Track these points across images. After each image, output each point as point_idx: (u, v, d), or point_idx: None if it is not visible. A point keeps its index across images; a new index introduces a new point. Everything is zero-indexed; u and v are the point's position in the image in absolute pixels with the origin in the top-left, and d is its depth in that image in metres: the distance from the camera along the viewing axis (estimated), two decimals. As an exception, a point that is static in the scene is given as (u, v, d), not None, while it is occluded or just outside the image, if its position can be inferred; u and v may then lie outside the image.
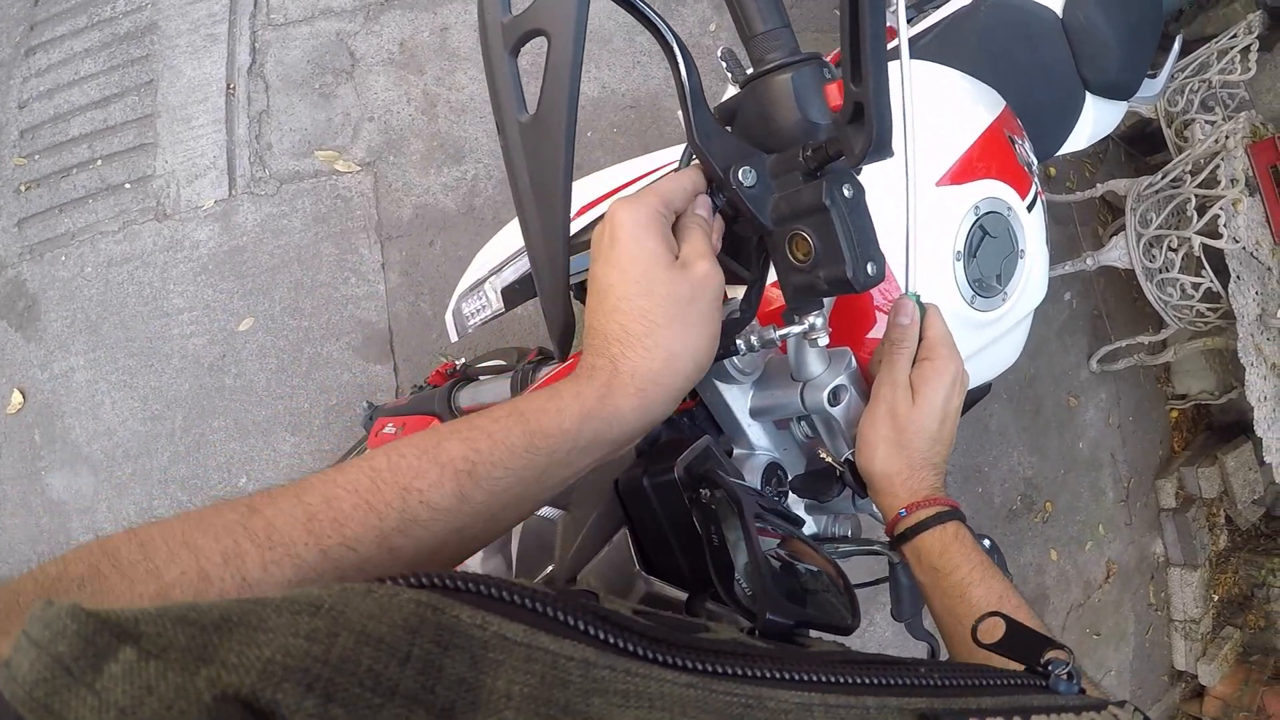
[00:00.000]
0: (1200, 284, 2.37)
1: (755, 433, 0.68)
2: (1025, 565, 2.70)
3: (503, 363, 1.41)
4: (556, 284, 0.53)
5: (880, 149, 0.43)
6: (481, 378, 1.27)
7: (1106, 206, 3.10)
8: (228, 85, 2.19)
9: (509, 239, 1.01)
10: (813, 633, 0.59)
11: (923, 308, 0.67)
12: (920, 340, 0.66)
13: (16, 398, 2.07)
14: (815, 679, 0.32)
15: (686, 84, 0.50)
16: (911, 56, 1.25)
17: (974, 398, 1.07)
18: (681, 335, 0.48)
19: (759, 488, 0.65)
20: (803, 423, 0.70)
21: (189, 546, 0.33)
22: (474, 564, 0.77)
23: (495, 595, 0.28)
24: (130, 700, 0.18)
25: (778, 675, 0.31)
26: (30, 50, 2.21)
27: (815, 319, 0.54)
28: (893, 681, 0.34)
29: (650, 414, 0.48)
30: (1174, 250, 2.40)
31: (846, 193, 0.47)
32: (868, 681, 0.34)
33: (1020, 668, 0.43)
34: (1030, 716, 0.33)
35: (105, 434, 2.05)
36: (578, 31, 0.47)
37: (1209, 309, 2.42)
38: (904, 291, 0.67)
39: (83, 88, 2.17)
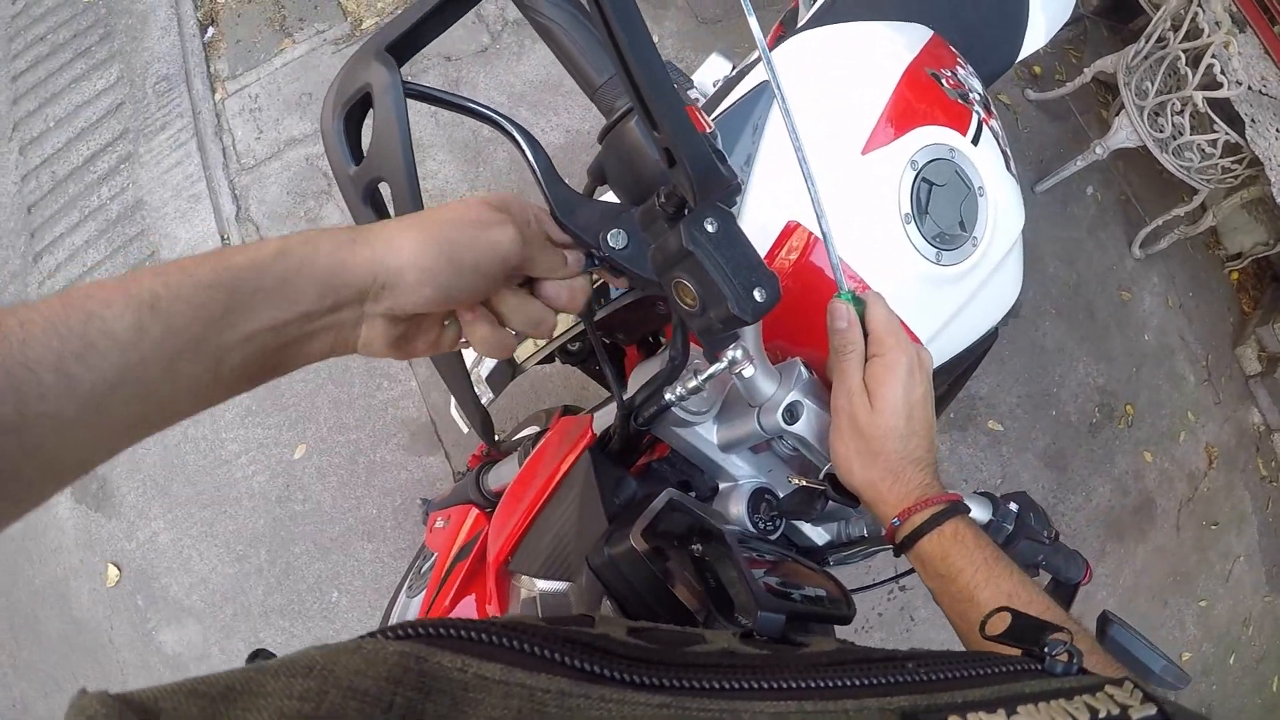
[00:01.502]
0: (1216, 139, 2.25)
1: (733, 464, 0.68)
2: (1121, 475, 2.60)
3: (536, 429, 1.43)
4: (462, 390, 0.55)
5: (708, 186, 0.43)
6: (516, 451, 1.29)
7: (1102, 88, 2.98)
8: (222, 236, 2.29)
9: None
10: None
11: (860, 302, 0.64)
12: (866, 336, 0.64)
13: (113, 572, 2.18)
14: (794, 686, 0.32)
15: (536, 166, 0.51)
16: (829, 20, 1.24)
17: (982, 349, 1.03)
18: (424, 228, 0.45)
19: (748, 516, 0.64)
20: (782, 440, 0.69)
21: None
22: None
23: (475, 638, 0.30)
24: None
25: (755, 686, 0.32)
26: (37, 256, 2.34)
27: (734, 352, 0.53)
28: (875, 681, 0.34)
29: (342, 270, 0.43)
30: (1179, 113, 2.29)
31: (710, 228, 0.47)
32: (848, 683, 0.34)
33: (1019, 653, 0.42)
34: (1017, 707, 0.32)
35: (200, 584, 2.15)
36: (408, 168, 0.48)
37: (1233, 162, 2.30)
38: (836, 293, 0.64)
39: (93, 277, 2.28)
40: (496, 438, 1.59)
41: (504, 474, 1.16)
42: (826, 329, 0.65)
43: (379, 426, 2.21)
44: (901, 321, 0.67)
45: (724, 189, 0.44)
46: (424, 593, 1.33)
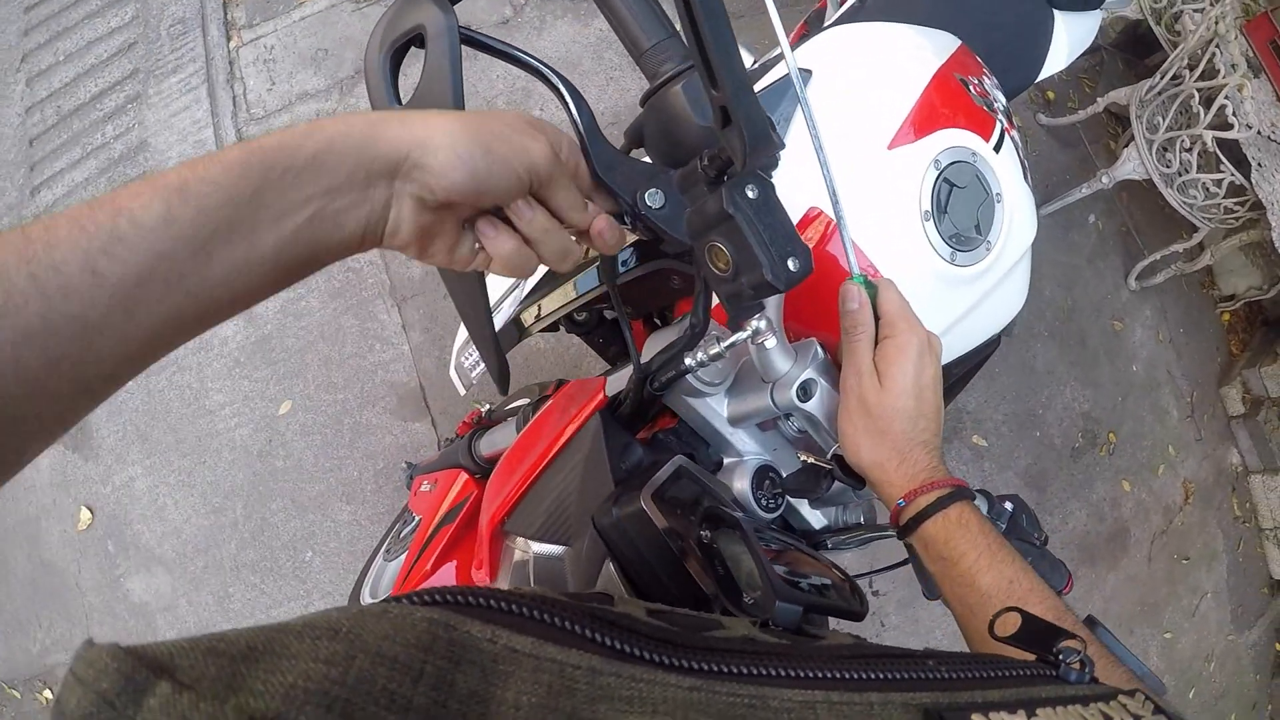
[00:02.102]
0: (1222, 179, 2.28)
1: (740, 439, 0.68)
2: (1099, 501, 2.62)
3: (526, 401, 1.43)
4: (481, 325, 0.54)
5: (759, 149, 0.43)
6: (508, 419, 1.29)
7: (1113, 119, 3.00)
8: (224, 184, 2.26)
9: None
10: (830, 625, 0.59)
11: (872, 287, 0.65)
12: (879, 320, 0.65)
13: (85, 514, 2.16)
14: (819, 675, 0.32)
15: (579, 120, 0.51)
16: (858, 20, 1.25)
17: (984, 354, 1.04)
18: (459, 116, 0.45)
19: (751, 492, 0.64)
20: (790, 419, 0.70)
21: None
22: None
23: (505, 608, 0.29)
24: None
25: (781, 673, 0.32)
26: (35, 190, 2.31)
27: (758, 322, 0.54)
28: (898, 676, 0.34)
29: (372, 144, 0.42)
30: (1188, 151, 2.32)
31: (751, 194, 0.47)
32: (873, 676, 0.34)
33: (1033, 658, 0.42)
34: (1036, 709, 0.33)
35: (173, 533, 2.14)
36: (459, 112, 0.48)
37: (1236, 203, 2.32)
38: (849, 276, 0.65)
39: (91, 215, 2.26)
40: (488, 409, 1.59)
41: (497, 439, 1.15)
42: (839, 310, 0.66)
43: (367, 388, 2.20)
44: None
45: (772, 153, 0.44)
46: (403, 556, 1.32)
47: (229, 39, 2.40)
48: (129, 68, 2.38)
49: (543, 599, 0.31)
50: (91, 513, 2.17)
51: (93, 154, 2.31)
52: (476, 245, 0.49)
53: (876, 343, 0.64)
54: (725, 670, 0.31)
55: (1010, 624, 0.45)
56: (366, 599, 1.42)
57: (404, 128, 0.43)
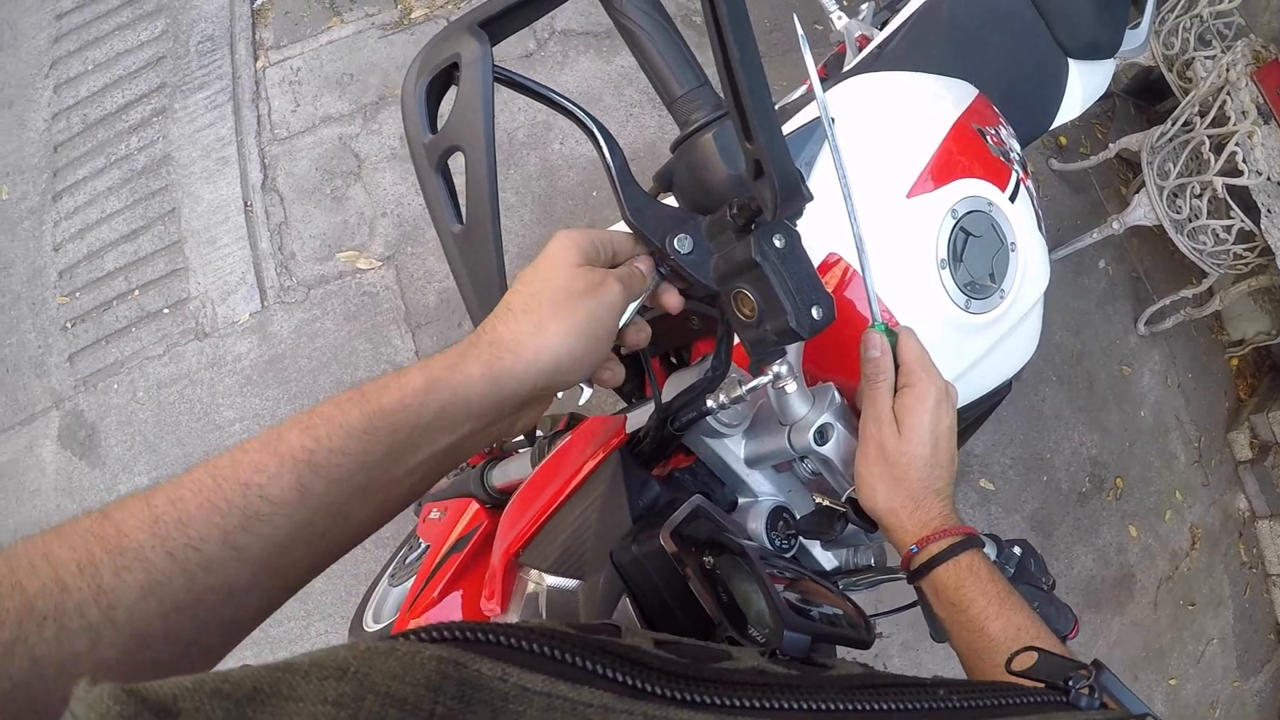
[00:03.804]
0: (1232, 225, 2.30)
1: (756, 480, 0.69)
2: (1105, 546, 2.61)
3: (541, 433, 1.43)
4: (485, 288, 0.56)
5: (789, 200, 0.44)
6: (520, 451, 1.29)
7: (1125, 165, 3.03)
8: (245, 203, 2.29)
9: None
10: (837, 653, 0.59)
11: (893, 335, 0.67)
12: (898, 367, 0.66)
13: (89, 524, 2.16)
14: (832, 707, 0.32)
15: (612, 164, 0.52)
16: (876, 67, 1.27)
17: (995, 400, 1.05)
18: (557, 319, 0.46)
19: (765, 533, 0.65)
20: (805, 462, 0.70)
21: (48, 559, 0.34)
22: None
23: (515, 645, 0.29)
24: None
25: (794, 705, 0.31)
26: (57, 195, 2.33)
27: (779, 367, 0.55)
28: (911, 706, 0.34)
29: (499, 387, 0.44)
30: (1198, 197, 2.34)
31: (778, 243, 0.48)
32: (885, 707, 0.34)
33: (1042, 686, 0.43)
34: None
35: (177, 548, 2.13)
36: (488, 143, 0.49)
37: (1245, 249, 2.34)
38: (870, 324, 0.67)
39: (111, 224, 2.29)
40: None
41: (510, 470, 1.16)
42: (859, 358, 0.67)
43: (377, 413, 2.21)
44: None
45: (801, 205, 0.46)
46: (409, 582, 1.32)
47: (256, 58, 2.44)
48: (156, 81, 2.41)
49: (552, 633, 0.30)
50: (96, 522, 2.16)
51: (116, 164, 2.34)
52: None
53: (895, 390, 0.65)
54: (737, 704, 0.30)
55: (1026, 661, 0.46)
56: (369, 624, 1.42)
57: (519, 360, 0.45)
